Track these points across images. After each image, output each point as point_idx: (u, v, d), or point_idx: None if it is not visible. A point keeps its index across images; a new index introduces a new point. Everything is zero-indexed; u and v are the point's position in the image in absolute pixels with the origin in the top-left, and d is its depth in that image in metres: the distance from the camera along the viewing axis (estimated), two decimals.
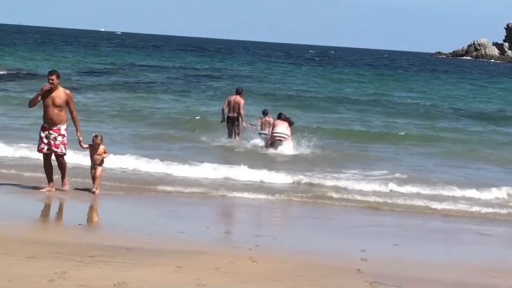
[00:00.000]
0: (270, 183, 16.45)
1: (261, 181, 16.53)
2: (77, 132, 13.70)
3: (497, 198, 16.22)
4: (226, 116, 22.08)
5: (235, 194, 15.01)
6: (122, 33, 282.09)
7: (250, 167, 17.33)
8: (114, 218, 12.55)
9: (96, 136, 14.10)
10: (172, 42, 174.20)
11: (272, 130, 21.08)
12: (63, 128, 13.59)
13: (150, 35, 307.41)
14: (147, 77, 51.12)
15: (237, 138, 22.18)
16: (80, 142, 13.82)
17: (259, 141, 21.94)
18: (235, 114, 21.93)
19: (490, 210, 15.04)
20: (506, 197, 16.32)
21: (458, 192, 16.41)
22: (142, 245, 10.05)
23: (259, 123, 22.41)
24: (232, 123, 22.02)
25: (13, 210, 12.41)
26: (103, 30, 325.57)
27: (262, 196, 14.96)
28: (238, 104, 21.85)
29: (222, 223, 13.51)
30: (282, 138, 20.83)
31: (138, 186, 15.01)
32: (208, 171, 16.98)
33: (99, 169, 13.93)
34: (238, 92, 22.26)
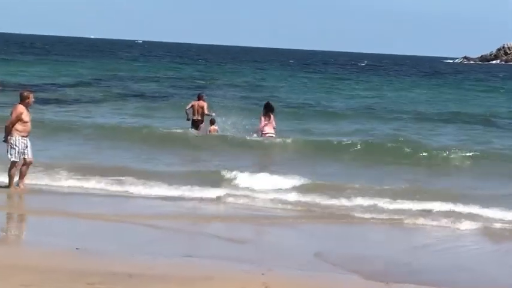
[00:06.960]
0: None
1: None
2: None
3: None
4: (191, 119, 24.66)
5: None
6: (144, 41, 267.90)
7: None
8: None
9: None
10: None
11: (262, 130, 23.57)
12: None
13: (170, 43, 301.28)
14: None
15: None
16: None
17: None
18: (199, 117, 24.59)
19: None
20: None
21: None
22: (145, 271, 9.35)
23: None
24: (196, 125, 24.66)
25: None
26: (93, 37, 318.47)
27: None
28: (202, 108, 24.56)
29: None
30: (272, 136, 23.70)
31: None
32: None
33: None
34: (200, 97, 24.90)
